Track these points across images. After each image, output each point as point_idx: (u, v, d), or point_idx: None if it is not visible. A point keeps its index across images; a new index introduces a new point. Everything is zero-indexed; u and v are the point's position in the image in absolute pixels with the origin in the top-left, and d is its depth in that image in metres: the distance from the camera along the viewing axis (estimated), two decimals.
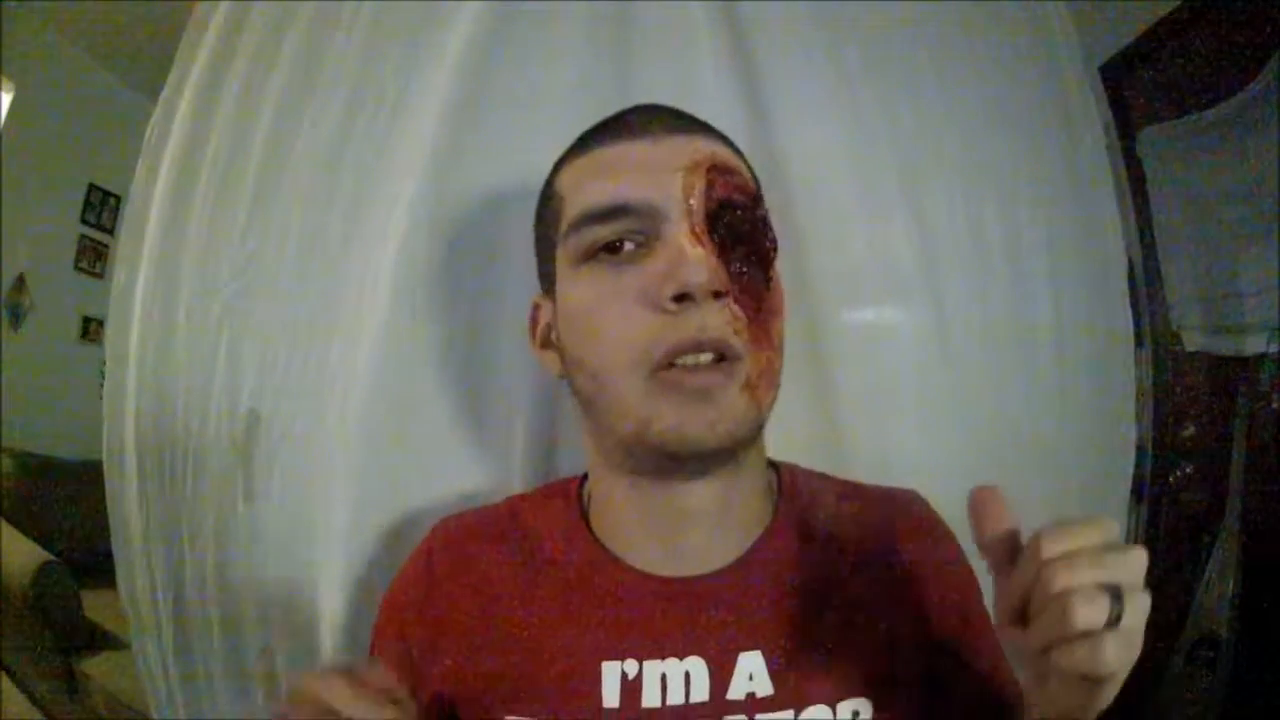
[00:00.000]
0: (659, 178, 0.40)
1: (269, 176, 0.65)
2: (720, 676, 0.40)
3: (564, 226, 0.43)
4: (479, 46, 0.63)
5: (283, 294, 0.63)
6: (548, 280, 0.46)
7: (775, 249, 0.43)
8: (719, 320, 0.39)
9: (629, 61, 0.63)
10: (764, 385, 0.41)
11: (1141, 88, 1.53)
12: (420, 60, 0.63)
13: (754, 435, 0.42)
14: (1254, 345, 1.31)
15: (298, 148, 0.64)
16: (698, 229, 0.39)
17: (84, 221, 2.58)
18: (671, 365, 0.39)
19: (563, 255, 0.43)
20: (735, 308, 0.39)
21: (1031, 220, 0.62)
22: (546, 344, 0.47)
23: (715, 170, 0.41)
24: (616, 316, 0.40)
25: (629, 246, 0.40)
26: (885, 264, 0.61)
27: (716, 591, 0.43)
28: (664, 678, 0.40)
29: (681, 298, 0.38)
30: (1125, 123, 1.55)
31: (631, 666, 0.41)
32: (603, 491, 0.47)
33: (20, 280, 2.34)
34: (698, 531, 0.44)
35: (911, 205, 0.61)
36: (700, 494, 0.43)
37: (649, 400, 0.39)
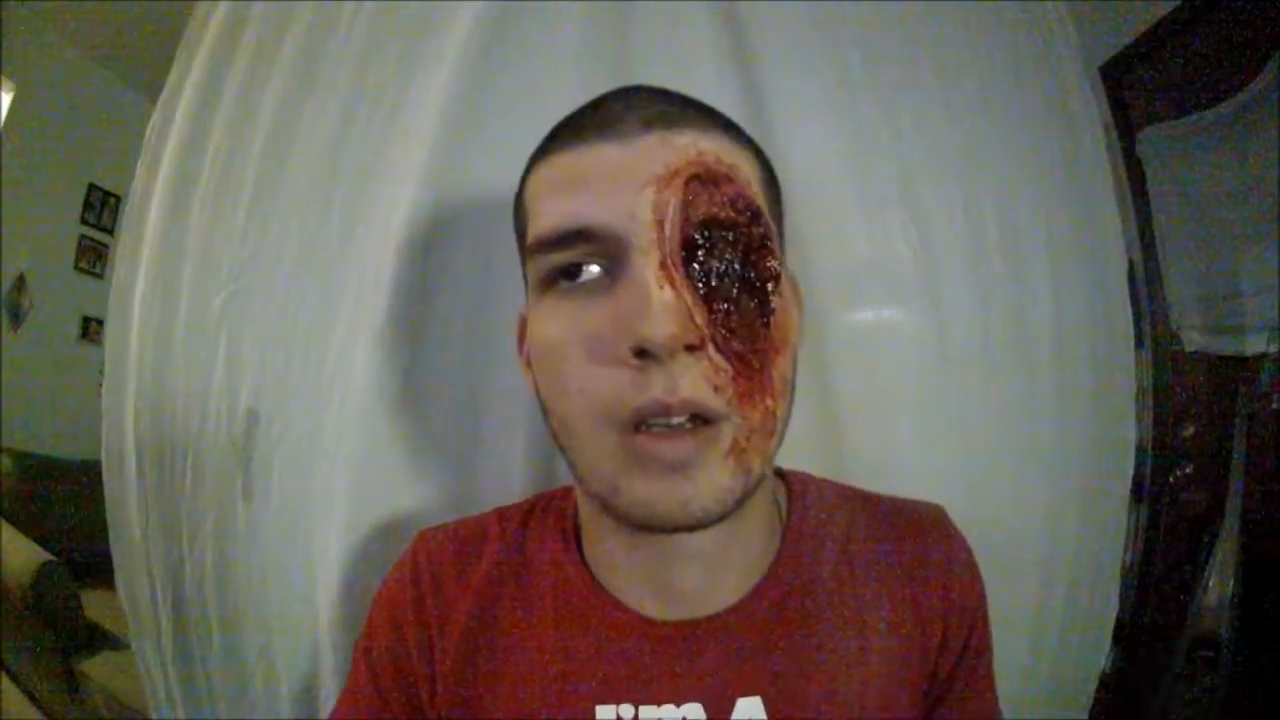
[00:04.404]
0: (624, 195, 0.33)
1: (269, 176, 0.65)
2: None
3: (527, 246, 0.38)
4: (479, 46, 0.63)
5: (282, 294, 0.64)
6: (528, 292, 0.42)
7: (777, 276, 0.35)
8: (693, 377, 0.32)
9: (629, 61, 0.63)
10: (757, 443, 0.34)
11: (1141, 88, 1.53)
12: (420, 60, 0.63)
13: (740, 503, 0.35)
14: (1254, 345, 1.31)
15: (297, 148, 0.64)
16: (669, 262, 0.32)
17: (84, 221, 2.58)
18: (642, 427, 0.33)
19: (529, 276, 0.39)
20: (717, 358, 0.33)
21: (1031, 220, 0.62)
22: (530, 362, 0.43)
23: (697, 181, 0.33)
24: (577, 367, 0.34)
25: (592, 270, 0.35)
26: (885, 265, 0.61)
27: (716, 635, 0.40)
28: None
29: (643, 353, 0.32)
30: (1125, 123, 1.55)
31: (627, 711, 0.39)
32: (592, 527, 0.44)
33: (20, 280, 2.34)
34: (692, 577, 0.41)
35: (911, 205, 0.61)
36: (693, 545, 0.39)
37: (618, 466, 0.34)
